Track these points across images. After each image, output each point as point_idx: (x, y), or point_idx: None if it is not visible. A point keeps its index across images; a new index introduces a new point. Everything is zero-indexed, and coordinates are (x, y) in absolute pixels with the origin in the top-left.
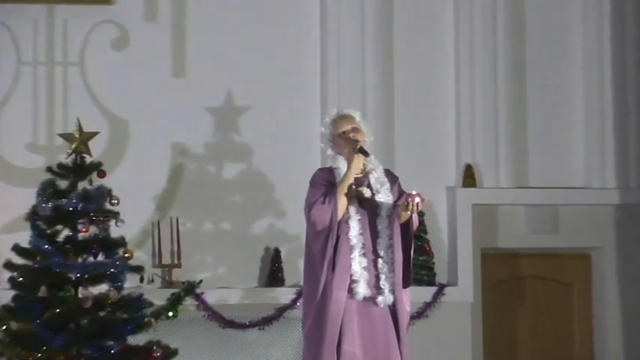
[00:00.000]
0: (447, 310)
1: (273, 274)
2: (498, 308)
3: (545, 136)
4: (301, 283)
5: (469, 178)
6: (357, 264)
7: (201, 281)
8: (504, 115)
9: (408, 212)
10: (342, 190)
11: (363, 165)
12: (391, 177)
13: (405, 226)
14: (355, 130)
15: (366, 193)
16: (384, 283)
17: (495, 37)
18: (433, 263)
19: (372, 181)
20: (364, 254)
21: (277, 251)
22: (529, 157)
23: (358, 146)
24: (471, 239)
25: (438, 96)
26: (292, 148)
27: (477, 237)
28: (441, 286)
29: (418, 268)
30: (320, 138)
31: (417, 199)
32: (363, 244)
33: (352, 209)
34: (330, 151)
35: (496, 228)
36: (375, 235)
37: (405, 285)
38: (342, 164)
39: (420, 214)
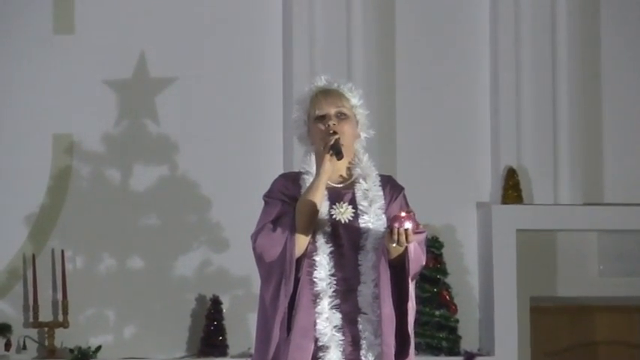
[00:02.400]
0: None
1: (209, 338)
2: None
3: (628, 131)
4: (253, 351)
5: (512, 189)
6: (326, 322)
7: (99, 348)
8: (566, 100)
9: (394, 244)
10: (305, 208)
11: (348, 169)
12: (391, 188)
13: (399, 265)
14: (342, 117)
15: (345, 213)
16: (366, 354)
17: None
18: (457, 321)
19: (359, 194)
20: (337, 307)
21: (216, 302)
22: (604, 161)
23: (331, 142)
24: (515, 284)
25: (463, 67)
26: (239, 143)
27: (524, 280)
28: (469, 356)
29: (434, 328)
30: (292, 121)
31: (408, 225)
32: (336, 291)
33: (321, 238)
34: (302, 138)
35: (554, 267)
36: (354, 280)
37: (401, 357)
38: (314, 167)
39: (436, 246)
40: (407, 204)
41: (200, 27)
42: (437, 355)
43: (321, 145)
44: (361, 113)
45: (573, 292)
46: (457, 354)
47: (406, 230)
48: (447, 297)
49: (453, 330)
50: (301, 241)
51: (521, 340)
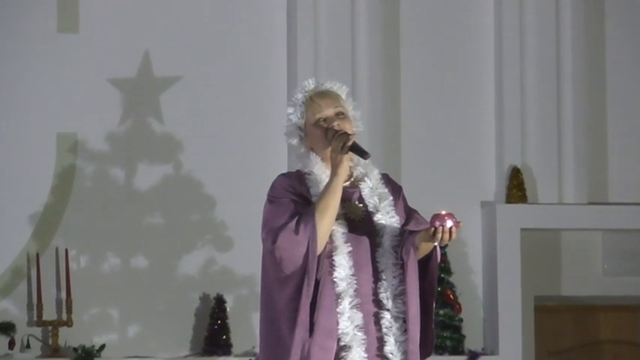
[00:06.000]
0: None
1: (213, 337)
2: None
3: (632, 131)
4: (257, 349)
5: (517, 188)
6: (348, 322)
7: (103, 347)
8: (571, 100)
9: (436, 243)
10: (327, 208)
11: (350, 169)
12: (392, 186)
13: (425, 262)
14: (341, 116)
15: (357, 211)
16: (392, 350)
17: None
18: (460, 320)
19: (365, 192)
20: (358, 306)
21: (220, 301)
22: (609, 160)
23: (350, 142)
24: (519, 283)
25: (468, 67)
26: (243, 142)
27: (528, 280)
28: (473, 356)
29: (438, 327)
30: (285, 126)
31: (450, 223)
32: (357, 290)
33: (339, 237)
34: (296, 143)
35: (559, 266)
36: (374, 277)
37: (425, 354)
38: (317, 167)
39: (441, 246)
40: (406, 201)
41: (204, 26)
42: (441, 354)
43: (336, 147)
44: (351, 107)
45: (578, 292)
46: (461, 353)
47: (450, 228)
48: (451, 296)
49: (457, 329)
50: (322, 242)
51: (526, 340)
